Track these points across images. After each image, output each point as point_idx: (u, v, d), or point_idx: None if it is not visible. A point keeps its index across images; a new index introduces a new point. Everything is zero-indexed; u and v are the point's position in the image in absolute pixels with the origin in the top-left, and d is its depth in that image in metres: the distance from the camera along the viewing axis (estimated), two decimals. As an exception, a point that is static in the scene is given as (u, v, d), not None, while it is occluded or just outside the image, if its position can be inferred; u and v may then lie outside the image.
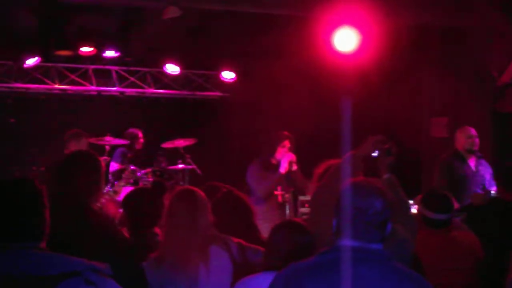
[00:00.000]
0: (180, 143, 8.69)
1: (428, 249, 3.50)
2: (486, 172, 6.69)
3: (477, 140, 6.73)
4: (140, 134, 8.74)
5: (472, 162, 6.74)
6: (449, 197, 4.40)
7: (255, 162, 6.36)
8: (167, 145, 8.75)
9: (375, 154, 3.41)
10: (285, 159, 6.24)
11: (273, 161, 6.33)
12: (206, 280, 3.36)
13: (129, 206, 4.33)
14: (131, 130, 8.78)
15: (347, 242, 2.35)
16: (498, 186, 5.37)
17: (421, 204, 4.39)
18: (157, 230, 3.99)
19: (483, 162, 6.79)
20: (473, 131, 6.76)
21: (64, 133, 6.78)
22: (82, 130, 6.85)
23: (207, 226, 3.50)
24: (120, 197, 7.73)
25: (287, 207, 6.21)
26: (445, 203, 4.30)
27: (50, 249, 2.33)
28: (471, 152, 6.72)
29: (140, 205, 4.21)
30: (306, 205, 6.37)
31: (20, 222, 2.27)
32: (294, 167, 6.27)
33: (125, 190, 7.81)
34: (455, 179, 6.58)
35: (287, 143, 6.35)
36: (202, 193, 3.62)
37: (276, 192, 6.16)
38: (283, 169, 6.22)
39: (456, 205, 6.26)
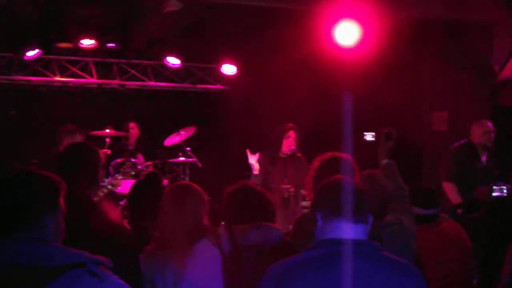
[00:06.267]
0: (182, 136, 8.67)
1: (422, 244, 3.52)
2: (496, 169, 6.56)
3: (493, 135, 6.60)
4: (131, 127, 8.67)
5: (484, 157, 6.61)
6: (434, 192, 4.50)
7: (262, 156, 6.31)
8: (168, 142, 8.74)
9: (370, 138, 3.39)
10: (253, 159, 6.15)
11: (280, 155, 6.32)
12: (194, 274, 3.38)
13: (130, 199, 4.36)
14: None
15: (334, 234, 2.31)
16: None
17: None
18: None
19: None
20: (490, 126, 6.63)
21: (62, 127, 6.65)
22: (77, 126, 6.65)
23: (195, 221, 3.49)
24: (119, 189, 7.73)
25: (291, 201, 6.17)
26: (432, 198, 4.38)
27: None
28: (485, 147, 6.59)
29: (140, 198, 4.23)
30: (307, 198, 6.34)
31: (24, 213, 2.27)
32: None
33: (124, 183, 7.81)
34: (463, 171, 6.47)
35: (291, 134, 6.33)
36: (196, 188, 3.60)
37: (282, 186, 6.13)
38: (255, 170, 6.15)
39: (459, 199, 6.25)
